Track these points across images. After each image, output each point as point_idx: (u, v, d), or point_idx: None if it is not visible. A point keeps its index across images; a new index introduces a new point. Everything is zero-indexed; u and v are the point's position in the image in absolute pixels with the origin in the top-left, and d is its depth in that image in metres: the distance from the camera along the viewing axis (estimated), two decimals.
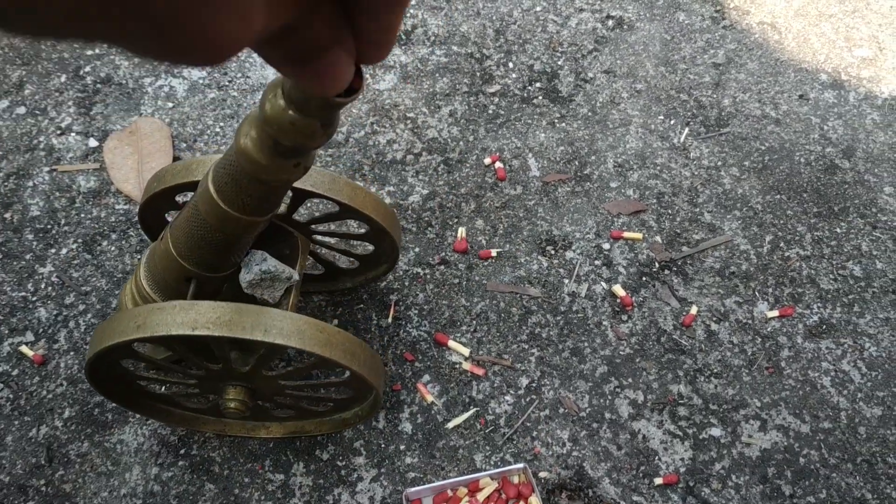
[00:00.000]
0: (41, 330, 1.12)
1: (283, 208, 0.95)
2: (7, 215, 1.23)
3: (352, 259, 1.11)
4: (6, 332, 1.12)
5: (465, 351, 1.10)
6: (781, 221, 1.23)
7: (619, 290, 1.14)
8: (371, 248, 1.05)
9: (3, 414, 1.05)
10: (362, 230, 1.00)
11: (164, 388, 1.04)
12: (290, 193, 0.91)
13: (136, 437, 1.04)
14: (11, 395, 1.07)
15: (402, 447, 1.03)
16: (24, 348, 1.10)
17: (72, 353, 1.10)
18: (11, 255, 1.19)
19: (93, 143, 1.31)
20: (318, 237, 1.05)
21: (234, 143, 0.70)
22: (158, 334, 0.74)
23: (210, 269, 0.84)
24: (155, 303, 0.90)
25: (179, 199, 0.94)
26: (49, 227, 1.22)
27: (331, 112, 0.63)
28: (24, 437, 1.03)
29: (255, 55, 1.43)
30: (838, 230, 1.22)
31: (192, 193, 0.85)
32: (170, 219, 1.02)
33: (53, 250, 1.20)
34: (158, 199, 0.91)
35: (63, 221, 1.23)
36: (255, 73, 1.41)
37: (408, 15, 1.49)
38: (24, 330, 1.12)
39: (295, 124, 0.62)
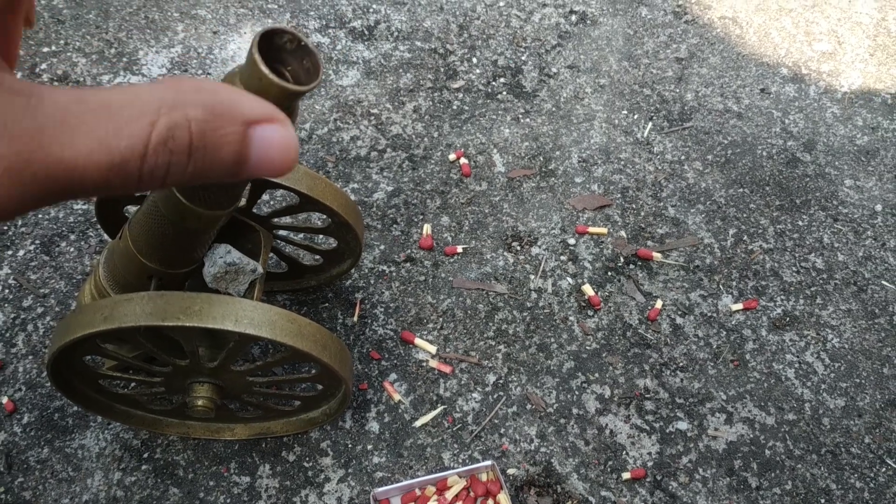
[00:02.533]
0: None
1: (242, 202, 0.94)
2: None
3: (315, 256, 1.09)
4: None
5: (432, 349, 1.09)
6: (744, 215, 1.24)
7: (587, 289, 1.15)
8: (334, 242, 1.04)
9: None
10: (324, 224, 0.99)
11: (127, 387, 1.02)
12: (249, 185, 0.90)
13: (98, 441, 1.02)
14: None
15: (369, 447, 1.02)
16: None
17: (30, 356, 1.08)
18: None
19: None
20: (281, 232, 1.04)
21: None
22: (127, 325, 0.72)
23: (171, 266, 0.82)
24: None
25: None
26: (5, 227, 1.19)
27: (292, 101, 0.62)
28: None
29: (215, 51, 1.41)
30: (800, 223, 1.23)
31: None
32: (129, 214, 1.00)
33: (10, 252, 1.17)
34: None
35: (20, 222, 1.20)
36: (216, 69, 1.39)
37: (370, 10, 1.48)
38: None
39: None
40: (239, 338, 0.75)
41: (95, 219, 1.20)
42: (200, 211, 0.74)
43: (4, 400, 1.04)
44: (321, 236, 1.14)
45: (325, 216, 0.95)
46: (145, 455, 1.01)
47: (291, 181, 0.88)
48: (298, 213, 0.94)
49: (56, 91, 0.23)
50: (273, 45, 0.60)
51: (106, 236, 1.18)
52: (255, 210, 0.95)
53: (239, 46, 1.41)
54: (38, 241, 1.18)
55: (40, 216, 1.20)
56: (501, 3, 1.49)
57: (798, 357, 1.11)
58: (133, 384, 0.97)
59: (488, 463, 0.99)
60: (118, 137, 0.23)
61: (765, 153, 1.31)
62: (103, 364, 1.01)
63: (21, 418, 1.03)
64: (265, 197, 1.22)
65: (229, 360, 0.82)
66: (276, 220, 0.99)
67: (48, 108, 0.23)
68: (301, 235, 1.16)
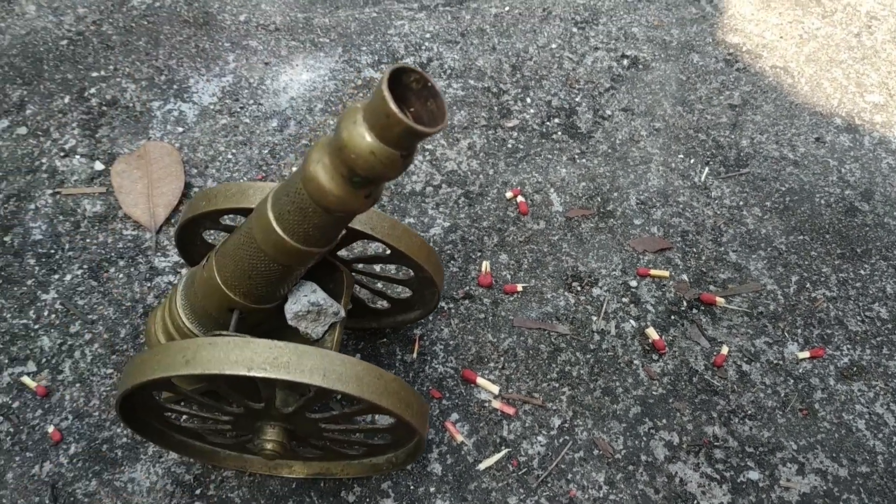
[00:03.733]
0: (44, 360, 1.06)
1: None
2: (7, 238, 1.17)
3: (384, 301, 1.07)
4: (6, 361, 1.05)
5: (495, 389, 1.06)
6: (806, 262, 1.22)
7: (652, 332, 1.12)
8: (408, 293, 1.01)
9: (2, 449, 0.98)
10: (404, 275, 0.97)
11: (191, 421, 0.98)
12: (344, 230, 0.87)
13: (149, 475, 0.97)
14: (12, 429, 1.00)
15: (431, 489, 0.98)
16: (25, 379, 1.03)
17: (77, 384, 1.04)
18: (12, 281, 1.13)
19: (98, 166, 1.26)
20: (357, 275, 1.01)
21: (301, 169, 0.66)
22: (210, 372, 0.68)
23: (257, 301, 0.79)
24: (194, 336, 0.85)
25: (226, 220, 0.90)
26: (52, 251, 1.16)
27: (414, 142, 0.60)
28: (25, 474, 0.96)
29: (266, 82, 1.39)
30: (862, 272, 1.21)
31: (242, 219, 0.81)
32: (211, 241, 0.97)
33: (57, 276, 1.14)
34: (203, 219, 0.86)
35: (67, 246, 1.17)
36: (267, 100, 1.37)
37: (423, 48, 1.48)
38: (25, 359, 1.06)
39: (375, 153, 0.59)
40: (324, 391, 0.72)
41: (145, 245, 1.17)
42: (298, 247, 0.72)
43: (51, 429, 1.00)
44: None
45: (409, 269, 0.93)
46: (198, 491, 0.96)
47: (391, 238, 0.86)
48: (385, 263, 0.92)
49: None
50: (400, 83, 0.59)
51: (157, 263, 1.15)
52: (340, 252, 0.93)
53: (291, 78, 1.40)
54: (85, 266, 1.15)
55: (88, 241, 1.17)
56: (553, 45, 1.49)
57: (868, 408, 1.08)
58: (198, 419, 0.93)
59: None
60: None
61: (823, 201, 1.29)
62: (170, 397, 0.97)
63: (68, 448, 0.98)
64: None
65: (306, 408, 0.79)
66: (357, 264, 0.97)
67: None
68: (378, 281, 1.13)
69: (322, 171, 0.64)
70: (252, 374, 0.69)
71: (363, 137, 0.59)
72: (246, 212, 0.85)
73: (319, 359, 0.71)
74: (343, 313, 0.86)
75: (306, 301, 0.82)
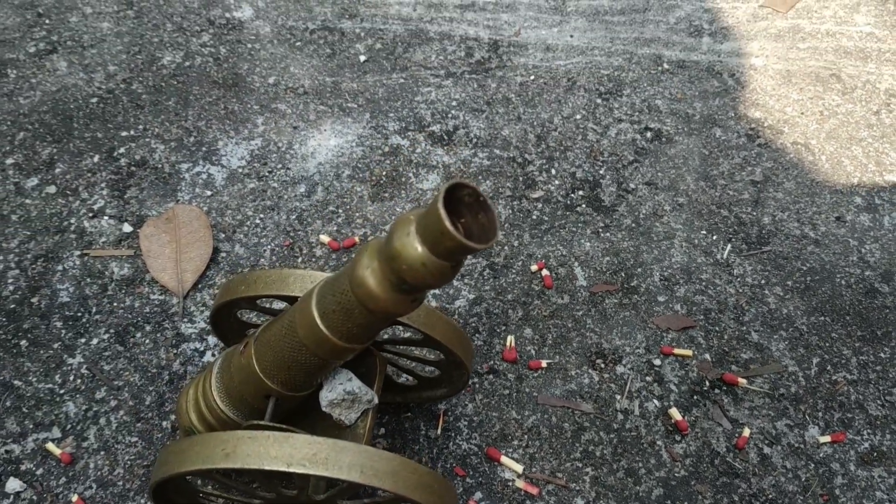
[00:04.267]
0: (69, 426, 1.06)
1: None
2: (34, 300, 1.18)
3: (411, 377, 1.08)
4: (31, 426, 1.06)
5: (519, 468, 1.06)
6: (827, 344, 1.23)
7: (675, 413, 1.12)
8: (436, 372, 1.03)
9: None
10: (435, 356, 0.98)
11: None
12: None
13: None
14: (35, 497, 1.00)
15: None
16: (50, 445, 1.04)
17: (102, 452, 1.04)
18: (38, 344, 1.13)
19: (127, 228, 1.27)
20: (386, 353, 1.02)
21: (350, 271, 0.68)
22: (249, 467, 0.69)
23: (293, 389, 0.80)
24: (228, 421, 0.85)
25: (261, 301, 0.91)
26: (79, 314, 1.17)
27: (464, 255, 0.61)
28: None
29: (294, 146, 1.41)
30: (882, 355, 1.22)
31: (285, 306, 0.82)
32: (249, 322, 0.98)
33: (83, 340, 1.14)
34: (241, 301, 0.88)
35: (94, 309, 1.18)
36: (295, 164, 1.39)
37: (449, 115, 1.50)
38: (50, 425, 1.06)
39: (426, 265, 0.60)
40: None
41: (172, 310, 1.18)
42: (340, 344, 0.73)
43: (74, 498, 1.00)
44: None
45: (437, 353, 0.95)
46: None
47: (426, 326, 0.87)
48: (416, 346, 0.93)
49: None
50: (453, 196, 0.60)
51: (183, 329, 1.16)
52: None
53: (319, 143, 1.42)
54: (112, 331, 1.16)
55: (115, 304, 1.18)
56: (578, 116, 1.51)
57: (888, 495, 1.08)
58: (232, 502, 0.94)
59: None
60: None
61: (843, 282, 1.30)
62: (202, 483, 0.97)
63: None
64: None
65: (338, 497, 0.79)
66: (388, 345, 0.98)
67: None
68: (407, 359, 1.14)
69: (371, 276, 0.66)
70: (291, 470, 0.70)
71: (416, 249, 0.60)
72: (284, 298, 0.86)
73: (357, 455, 0.72)
74: (376, 400, 0.87)
75: (342, 389, 0.83)
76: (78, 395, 1.09)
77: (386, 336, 1.12)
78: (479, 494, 1.04)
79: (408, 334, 0.96)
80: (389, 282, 0.65)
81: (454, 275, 0.63)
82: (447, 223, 0.56)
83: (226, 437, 0.73)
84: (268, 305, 1.11)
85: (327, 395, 0.83)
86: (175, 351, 1.14)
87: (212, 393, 0.87)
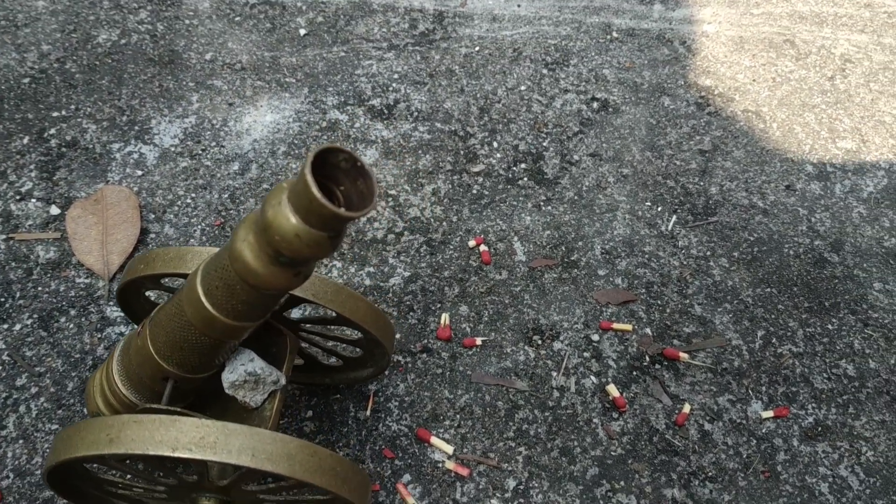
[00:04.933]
0: None
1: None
2: None
3: (337, 358, 1.04)
4: None
5: (449, 449, 1.03)
6: (773, 316, 1.20)
7: (612, 390, 1.09)
8: (359, 352, 0.99)
9: None
10: (354, 335, 0.95)
11: (126, 490, 0.95)
12: (287, 294, 0.85)
13: None
14: None
15: None
16: None
17: (21, 441, 1.01)
18: None
19: (54, 210, 1.23)
20: (305, 334, 0.99)
21: (229, 246, 0.64)
22: (134, 452, 0.66)
23: (191, 371, 0.77)
24: (129, 404, 0.82)
25: (166, 280, 0.88)
26: (2, 299, 1.13)
27: (340, 225, 0.57)
28: None
29: (229, 123, 1.37)
30: (830, 327, 1.19)
31: (179, 283, 0.79)
32: (149, 295, 0.95)
33: (6, 325, 1.11)
34: (143, 280, 0.85)
35: (18, 294, 1.14)
36: (230, 142, 1.35)
37: (390, 89, 1.46)
38: None
39: (300, 236, 0.57)
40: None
41: (98, 294, 1.14)
42: (228, 322, 0.70)
43: None
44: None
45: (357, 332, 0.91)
46: None
47: (335, 304, 0.84)
48: (331, 325, 0.90)
49: None
50: (327, 162, 0.56)
51: (108, 312, 1.13)
52: (284, 314, 0.91)
53: (255, 119, 1.38)
54: (36, 316, 1.12)
55: (40, 289, 1.14)
56: (523, 88, 1.47)
57: (832, 470, 1.06)
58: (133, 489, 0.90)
59: None
60: None
61: (791, 252, 1.27)
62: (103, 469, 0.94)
63: None
64: None
65: (240, 482, 0.76)
66: (305, 324, 0.95)
67: None
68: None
69: (248, 249, 0.62)
70: (177, 454, 0.67)
71: (288, 219, 0.57)
72: (184, 276, 0.82)
73: (248, 438, 0.69)
74: (283, 381, 0.83)
75: (243, 370, 0.80)
76: None
77: (301, 315, 1.09)
78: (407, 477, 1.01)
79: (327, 314, 0.93)
80: (266, 255, 0.61)
81: (335, 246, 0.60)
82: (316, 191, 0.53)
83: (110, 422, 0.70)
84: (173, 284, 1.08)
85: (228, 377, 0.80)
86: (100, 335, 1.11)
87: (114, 376, 0.84)
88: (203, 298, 0.69)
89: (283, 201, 0.57)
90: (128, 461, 0.84)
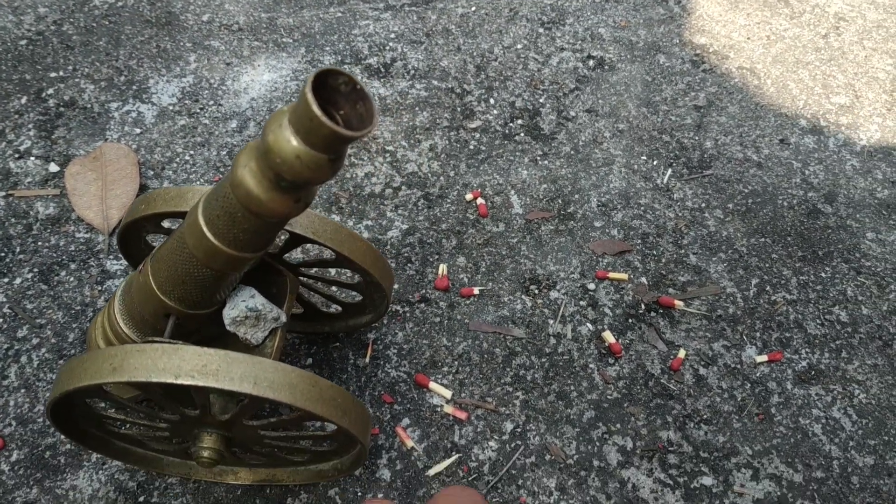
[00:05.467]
0: None
1: (275, 247, 0.90)
2: None
3: (336, 305, 1.05)
4: None
5: (447, 393, 1.05)
6: (767, 265, 1.21)
7: (608, 336, 1.10)
8: (358, 297, 1.00)
9: None
10: (354, 279, 0.95)
11: (128, 428, 0.96)
12: (287, 234, 0.85)
13: (91, 482, 0.95)
14: None
15: (380, 495, 0.97)
16: None
17: (23, 390, 1.02)
18: None
19: (53, 168, 1.24)
20: (305, 279, 1.00)
21: (230, 173, 0.65)
22: (137, 380, 0.67)
23: (192, 306, 0.78)
24: (131, 342, 0.83)
25: (167, 223, 0.89)
26: (2, 254, 1.14)
27: (341, 146, 0.58)
28: None
29: (227, 82, 1.38)
30: (823, 275, 1.20)
31: (180, 222, 0.80)
32: (152, 242, 0.96)
33: (6, 279, 1.12)
34: (143, 222, 0.85)
35: (18, 249, 1.15)
36: (227, 100, 1.35)
37: (387, 48, 1.46)
38: None
39: (301, 158, 0.57)
40: (256, 398, 0.70)
41: (98, 248, 1.15)
42: (230, 252, 0.70)
43: None
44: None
45: (356, 274, 0.92)
46: (141, 498, 0.95)
47: (334, 242, 0.84)
48: (330, 267, 0.91)
49: None
50: (327, 86, 0.57)
51: (108, 266, 1.14)
52: (285, 256, 0.91)
53: (252, 79, 1.39)
54: (36, 270, 1.13)
55: (40, 243, 1.15)
56: (519, 46, 1.48)
57: (825, 412, 1.07)
58: (135, 426, 0.92)
59: None
60: None
61: (785, 203, 1.28)
62: (105, 405, 0.96)
63: (10, 455, 0.97)
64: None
65: (242, 416, 0.77)
66: (304, 268, 0.95)
67: None
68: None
69: (249, 175, 0.63)
70: (179, 381, 0.68)
71: (288, 141, 0.57)
72: (185, 215, 0.83)
73: (250, 366, 0.70)
74: (284, 318, 0.85)
75: (244, 306, 0.81)
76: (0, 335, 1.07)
77: (301, 258, 1.09)
78: (406, 420, 1.02)
79: (326, 255, 0.93)
80: (268, 179, 0.62)
81: (334, 169, 0.60)
82: (317, 109, 0.54)
83: (113, 352, 0.71)
84: (173, 227, 1.09)
85: (229, 313, 0.81)
86: (100, 288, 1.12)
87: (115, 316, 0.85)
88: (205, 228, 0.70)
89: (284, 124, 0.58)
90: (138, 394, 0.86)
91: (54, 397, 0.74)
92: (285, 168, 0.59)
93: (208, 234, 0.70)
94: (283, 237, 0.87)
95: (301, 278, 0.99)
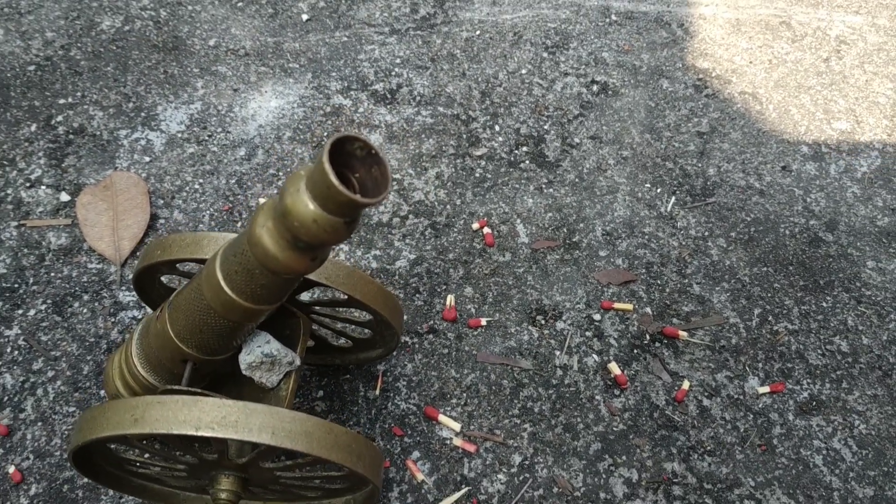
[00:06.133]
0: (6, 398, 1.06)
1: None
2: None
3: (347, 339, 1.07)
4: None
5: (456, 426, 1.07)
6: (769, 294, 1.23)
7: (614, 367, 1.13)
8: (368, 333, 1.02)
9: None
10: (365, 317, 0.97)
11: (147, 468, 0.98)
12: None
13: None
14: None
15: None
16: None
17: (39, 423, 1.04)
18: None
19: (64, 197, 1.26)
20: (316, 316, 1.02)
21: (248, 231, 0.67)
22: (158, 432, 0.69)
23: (210, 353, 0.80)
24: (148, 387, 0.85)
25: (182, 266, 0.90)
26: (16, 286, 1.16)
27: (356, 211, 0.60)
28: None
29: (235, 109, 1.39)
30: (824, 304, 1.22)
31: (198, 268, 0.81)
32: (164, 280, 0.98)
33: (20, 311, 1.13)
34: (159, 266, 0.87)
35: (31, 280, 1.17)
36: (235, 127, 1.37)
37: (393, 73, 1.48)
38: None
39: (318, 222, 0.59)
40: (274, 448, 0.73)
41: (110, 279, 1.17)
42: (247, 305, 0.72)
43: (11, 469, 1.00)
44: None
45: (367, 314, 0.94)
46: None
47: (347, 287, 0.86)
48: (342, 307, 0.93)
49: None
50: (343, 151, 0.59)
51: (121, 297, 1.15)
52: (297, 297, 0.93)
53: (260, 105, 1.40)
54: (49, 301, 1.15)
55: (53, 274, 1.17)
56: (524, 71, 1.50)
57: (825, 443, 1.10)
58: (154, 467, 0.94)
59: None
60: None
61: (787, 232, 1.30)
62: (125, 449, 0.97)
63: (28, 489, 0.99)
64: None
65: (259, 459, 0.79)
66: (316, 307, 0.97)
67: None
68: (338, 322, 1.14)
69: (267, 235, 0.65)
70: (200, 433, 0.70)
71: (306, 206, 0.59)
72: (200, 261, 0.85)
73: (268, 416, 0.72)
74: (298, 362, 0.86)
75: (259, 352, 0.83)
76: (15, 367, 1.08)
77: (312, 298, 1.11)
78: (416, 454, 1.04)
79: (337, 297, 0.95)
80: (285, 240, 0.64)
81: (350, 231, 0.62)
82: (333, 178, 0.55)
83: (135, 403, 0.73)
84: (184, 268, 1.11)
85: (246, 358, 0.83)
86: (113, 319, 1.14)
87: (133, 359, 0.86)
88: (223, 283, 0.72)
89: (302, 188, 0.59)
90: (147, 441, 0.87)
91: (76, 445, 0.76)
92: (303, 231, 0.61)
93: (226, 289, 0.72)
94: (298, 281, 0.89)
95: (313, 315, 1.01)
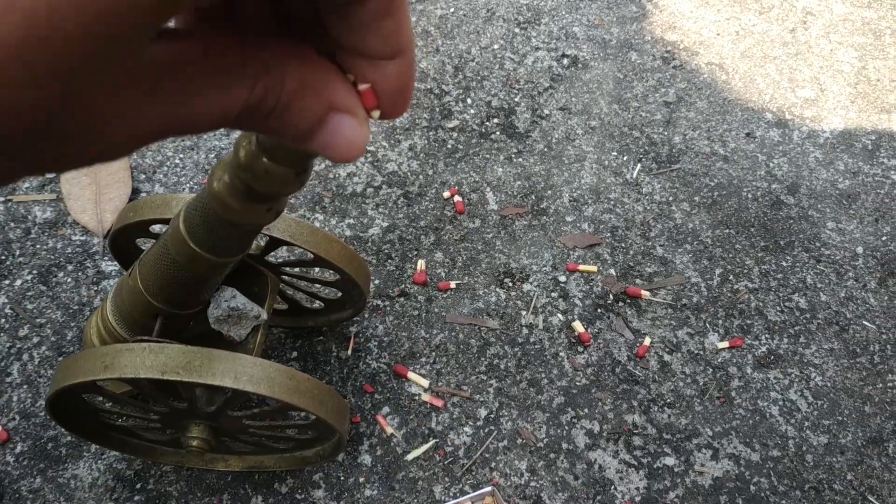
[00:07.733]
0: None
1: (256, 249, 0.96)
2: None
3: (318, 301, 1.12)
4: None
5: (425, 382, 1.11)
6: (730, 255, 1.27)
7: (578, 326, 1.17)
8: (338, 293, 1.06)
9: None
10: (332, 277, 1.02)
11: (123, 420, 1.03)
12: (266, 238, 0.92)
13: (91, 471, 1.02)
14: None
15: (361, 479, 1.03)
16: None
17: (25, 386, 1.09)
18: None
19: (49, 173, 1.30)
20: (287, 277, 1.06)
21: (207, 186, 0.71)
22: (126, 376, 0.74)
23: (178, 307, 0.84)
24: (122, 341, 0.90)
25: (155, 228, 0.95)
26: (3, 257, 1.20)
27: (305, 161, 0.64)
28: None
29: None
30: (784, 264, 1.26)
31: (165, 228, 0.86)
32: (142, 245, 1.02)
33: (7, 281, 1.18)
34: (132, 228, 0.92)
35: (18, 252, 1.21)
36: None
37: None
38: None
39: (269, 172, 0.63)
40: (238, 392, 0.77)
41: (93, 250, 1.21)
42: (209, 257, 0.76)
43: None
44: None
45: (334, 273, 0.98)
46: (138, 486, 1.02)
47: (310, 244, 0.91)
48: (310, 266, 0.97)
49: None
50: None
51: (104, 267, 1.20)
52: (269, 257, 0.98)
53: None
54: (35, 272, 1.19)
55: (38, 246, 1.22)
56: (496, 46, 1.54)
57: (782, 395, 1.14)
58: (129, 418, 0.98)
59: (489, 489, 1.01)
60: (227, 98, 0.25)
61: (750, 195, 1.34)
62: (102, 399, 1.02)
63: (14, 448, 1.03)
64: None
65: (226, 407, 0.84)
66: (285, 268, 1.02)
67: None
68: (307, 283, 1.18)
69: (223, 188, 0.69)
70: (165, 377, 0.74)
71: (257, 158, 0.63)
72: (169, 221, 0.90)
73: (231, 362, 0.76)
74: (265, 316, 0.91)
75: (226, 306, 0.87)
76: (2, 334, 1.13)
77: (280, 259, 1.15)
78: (386, 409, 1.09)
79: (304, 256, 0.99)
80: (240, 192, 0.68)
81: (302, 181, 0.66)
82: None
83: (105, 351, 0.77)
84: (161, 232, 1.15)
85: (213, 313, 0.87)
86: (96, 288, 1.18)
87: (108, 316, 0.91)
88: (185, 236, 0.76)
89: (253, 141, 0.64)
90: (130, 389, 0.92)
91: (52, 393, 0.80)
92: (255, 181, 0.65)
93: (189, 242, 0.76)
94: (263, 241, 0.93)
95: (284, 277, 1.05)
